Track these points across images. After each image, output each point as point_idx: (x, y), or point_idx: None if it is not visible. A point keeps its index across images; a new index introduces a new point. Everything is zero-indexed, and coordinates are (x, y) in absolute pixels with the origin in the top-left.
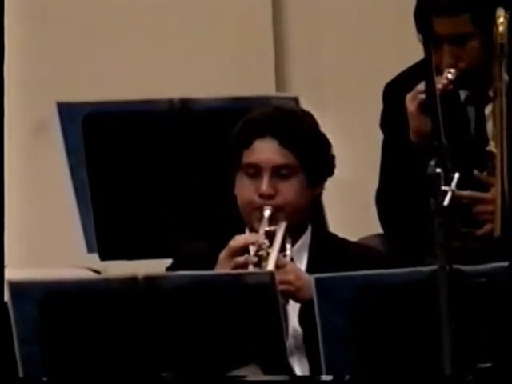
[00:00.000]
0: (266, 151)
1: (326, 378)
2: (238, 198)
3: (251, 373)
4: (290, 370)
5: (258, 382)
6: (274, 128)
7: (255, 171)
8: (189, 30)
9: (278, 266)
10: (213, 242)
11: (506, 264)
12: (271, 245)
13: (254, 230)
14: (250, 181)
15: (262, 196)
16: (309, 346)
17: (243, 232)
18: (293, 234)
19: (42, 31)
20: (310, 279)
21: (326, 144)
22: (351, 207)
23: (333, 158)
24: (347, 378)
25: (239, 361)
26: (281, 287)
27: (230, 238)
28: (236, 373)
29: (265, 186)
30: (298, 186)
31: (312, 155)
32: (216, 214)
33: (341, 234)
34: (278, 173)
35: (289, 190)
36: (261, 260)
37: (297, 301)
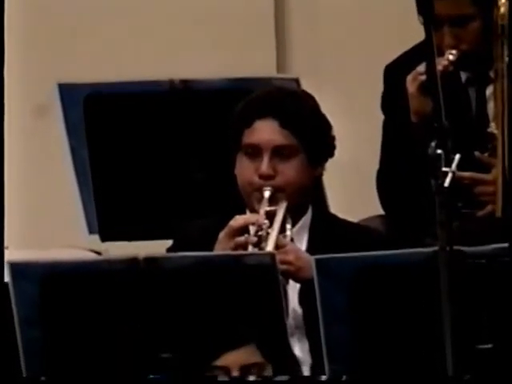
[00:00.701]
0: (266, 131)
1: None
2: (237, 179)
3: (249, 353)
4: (290, 351)
5: (259, 382)
6: (274, 108)
7: (255, 151)
8: (191, 14)
9: (278, 246)
10: (213, 221)
11: (506, 245)
12: (271, 225)
13: (254, 211)
14: (249, 161)
15: (261, 177)
16: (308, 327)
17: (244, 212)
18: (293, 215)
19: (42, 14)
20: (310, 259)
21: (326, 125)
22: (352, 188)
23: (333, 138)
24: (344, 378)
25: (238, 341)
26: (281, 267)
27: (231, 218)
28: (234, 353)
29: (265, 166)
30: (299, 167)
31: (313, 136)
32: (217, 195)
33: (342, 215)
34: (279, 153)
35: (289, 171)
36: (261, 240)
37: (297, 281)
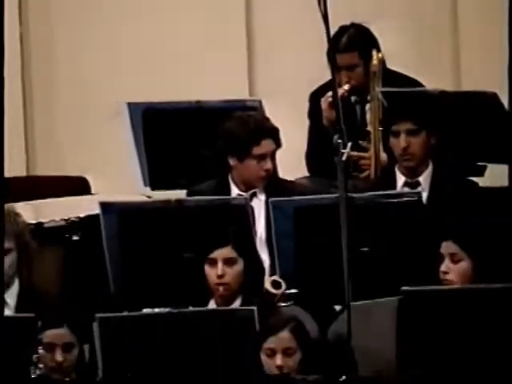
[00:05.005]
0: (269, 147)
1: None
2: (244, 173)
3: (229, 251)
4: (257, 252)
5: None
6: (270, 132)
7: (261, 157)
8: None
9: None
10: (211, 185)
11: (380, 192)
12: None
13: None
14: (256, 163)
15: (267, 171)
16: (269, 244)
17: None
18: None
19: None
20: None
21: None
22: (295, 163)
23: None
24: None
25: (224, 240)
26: None
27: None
28: (221, 250)
29: (269, 165)
30: (275, 161)
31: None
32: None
33: (287, 177)
34: (271, 156)
35: (275, 166)
36: None
37: None
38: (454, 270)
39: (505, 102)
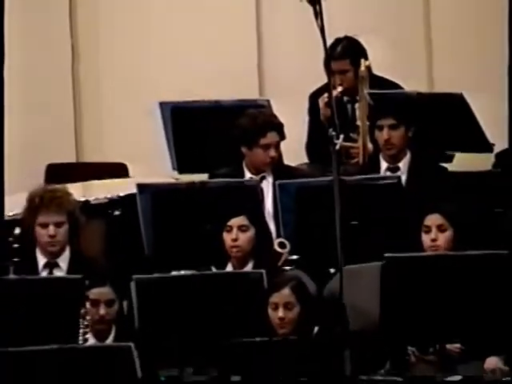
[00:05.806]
0: (273, 138)
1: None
2: (253, 158)
3: (242, 219)
4: (266, 222)
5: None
6: (275, 126)
7: (267, 147)
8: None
9: None
10: (231, 169)
11: (367, 176)
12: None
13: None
14: (263, 152)
15: (271, 158)
16: (276, 216)
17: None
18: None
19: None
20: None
21: None
22: (297, 152)
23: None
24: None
25: (240, 212)
26: None
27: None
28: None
29: (274, 153)
30: (279, 150)
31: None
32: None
33: (291, 163)
34: (276, 146)
35: (280, 154)
36: None
37: None
38: (441, 238)
39: (505, 101)
